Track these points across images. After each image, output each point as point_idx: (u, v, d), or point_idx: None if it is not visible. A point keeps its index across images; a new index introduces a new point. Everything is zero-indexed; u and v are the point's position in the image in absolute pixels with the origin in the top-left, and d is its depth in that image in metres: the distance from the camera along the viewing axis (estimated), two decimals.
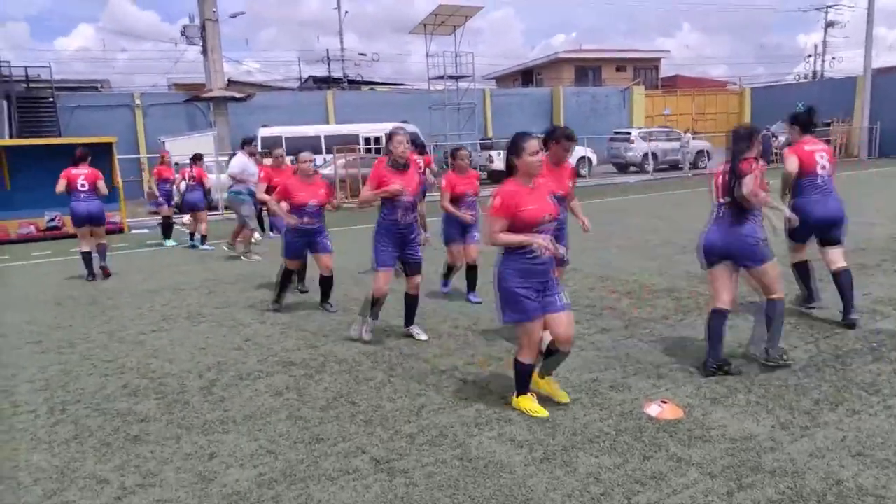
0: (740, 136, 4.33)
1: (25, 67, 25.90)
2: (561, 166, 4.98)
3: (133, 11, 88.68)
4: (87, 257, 8.97)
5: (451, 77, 28.50)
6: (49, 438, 3.90)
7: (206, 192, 11.61)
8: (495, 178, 20.62)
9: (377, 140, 23.83)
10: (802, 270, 5.65)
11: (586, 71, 41.45)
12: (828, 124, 30.65)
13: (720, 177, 4.39)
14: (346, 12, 78.90)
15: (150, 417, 4.14)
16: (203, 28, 20.91)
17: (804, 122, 5.51)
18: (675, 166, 26.39)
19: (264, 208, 10.21)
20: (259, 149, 12.11)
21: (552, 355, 4.00)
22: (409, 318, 5.60)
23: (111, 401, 4.46)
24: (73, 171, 8.83)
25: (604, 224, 6.99)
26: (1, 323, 6.80)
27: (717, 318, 4.36)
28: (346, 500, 3.06)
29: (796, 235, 5.40)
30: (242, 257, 9.95)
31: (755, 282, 4.47)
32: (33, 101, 24.53)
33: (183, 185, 11.55)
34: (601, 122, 31.85)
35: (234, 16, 36.98)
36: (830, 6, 46.46)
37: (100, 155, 12.82)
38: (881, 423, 3.56)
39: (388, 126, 23.44)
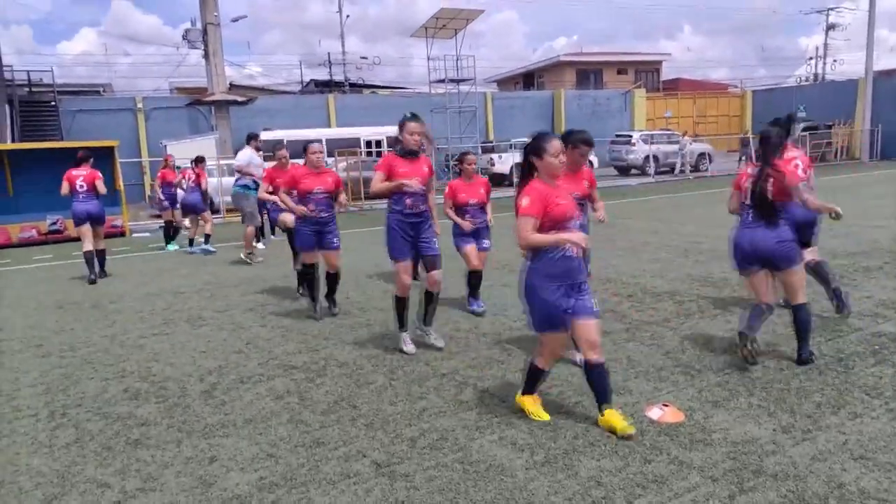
0: (772, 139, 4.47)
1: (28, 71, 26.08)
2: (577, 173, 4.67)
3: (135, 16, 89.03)
4: (88, 257, 9.12)
5: (452, 80, 28.50)
6: (50, 442, 3.90)
7: (204, 195, 11.52)
8: (495, 181, 20.60)
9: (378, 143, 23.86)
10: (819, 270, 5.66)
11: (588, 74, 41.49)
12: (829, 127, 30.65)
13: (750, 180, 4.48)
14: (348, 16, 79.19)
15: (151, 421, 4.14)
16: (205, 32, 20.97)
17: (784, 129, 5.40)
18: (673, 170, 26.37)
19: (265, 214, 10.16)
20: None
21: (591, 377, 3.68)
22: (427, 318, 5.33)
23: (112, 404, 4.46)
24: (74, 172, 9.18)
25: (605, 227, 6.97)
26: (2, 326, 6.81)
27: (755, 308, 4.57)
28: None
29: (805, 239, 5.35)
30: (247, 258, 9.88)
31: (782, 286, 4.55)
32: (35, 105, 24.60)
33: (184, 185, 11.56)
34: (602, 125, 31.83)
35: (235, 20, 37.15)
36: (832, 9, 46.53)
37: (102, 159, 12.81)
38: (883, 426, 3.54)
39: (390, 129, 23.55)
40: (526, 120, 32.23)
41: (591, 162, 26.29)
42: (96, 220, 9.17)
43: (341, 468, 3.40)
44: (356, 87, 38.47)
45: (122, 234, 14.70)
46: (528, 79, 45.09)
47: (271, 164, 8.54)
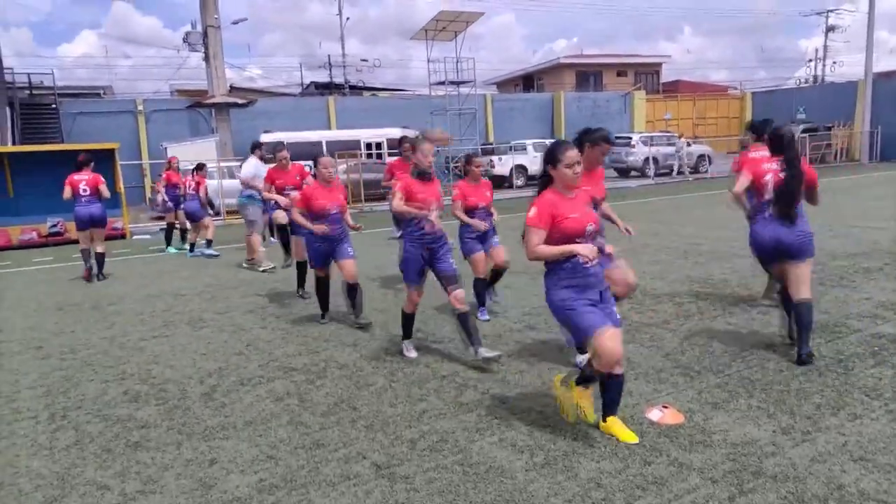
0: (791, 140, 4.65)
1: (28, 74, 26.07)
2: (594, 171, 4.58)
3: (136, 18, 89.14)
4: (85, 253, 9.43)
5: (452, 82, 28.55)
6: (50, 444, 3.90)
7: (202, 203, 11.41)
8: (495, 183, 20.61)
9: (378, 145, 23.88)
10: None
11: (587, 76, 41.52)
12: (829, 128, 30.67)
13: (767, 176, 4.65)
14: (348, 18, 79.31)
15: (151, 423, 4.14)
16: (205, 34, 20.99)
17: (760, 131, 5.85)
18: (671, 172, 26.37)
19: (266, 215, 10.11)
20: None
21: (608, 387, 3.60)
22: (472, 339, 4.83)
23: (112, 407, 4.46)
24: (76, 176, 9.28)
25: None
26: (3, 328, 6.81)
27: (786, 301, 4.80)
28: None
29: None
30: (249, 266, 9.81)
31: (788, 277, 4.68)
32: (36, 108, 24.62)
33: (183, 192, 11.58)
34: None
35: (236, 22, 36.90)
36: (831, 10, 46.60)
37: (102, 161, 12.83)
38: (883, 427, 3.55)
39: (390, 131, 23.62)
40: (525, 122, 32.28)
41: None
42: (98, 223, 9.30)
43: (341, 470, 3.40)
44: (356, 89, 38.54)
45: (123, 237, 14.71)
46: (528, 81, 45.13)
47: (271, 165, 8.48)
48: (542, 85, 42.82)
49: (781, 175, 4.57)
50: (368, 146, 23.95)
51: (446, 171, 23.66)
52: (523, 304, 6.58)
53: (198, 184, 11.39)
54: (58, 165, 12.18)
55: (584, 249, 3.38)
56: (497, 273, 6.33)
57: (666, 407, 3.85)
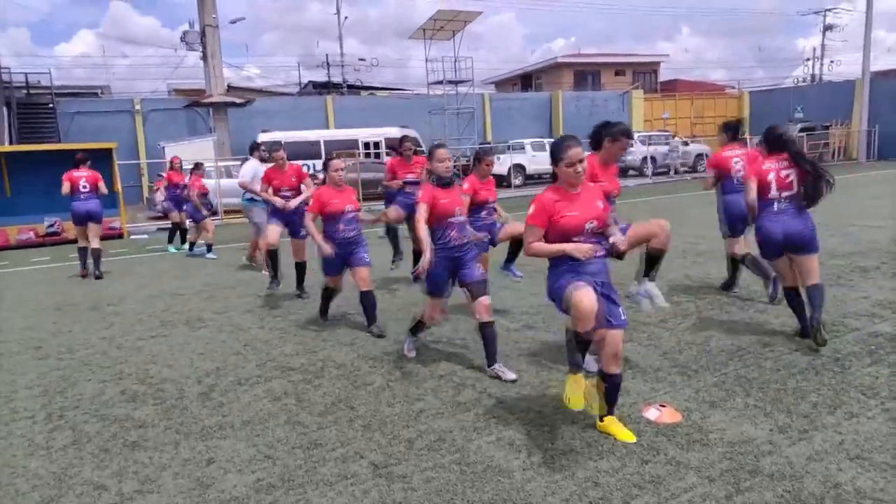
0: (789, 137, 4.97)
1: (25, 73, 26.06)
2: (610, 165, 4.59)
3: (133, 17, 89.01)
4: (83, 253, 9.65)
5: (450, 82, 28.57)
6: (47, 444, 3.89)
7: (195, 205, 11.21)
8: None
9: (377, 145, 23.89)
10: (754, 262, 6.16)
11: (585, 75, 41.53)
12: (826, 127, 30.72)
13: (770, 175, 4.87)
14: (346, 17, 79.22)
15: (149, 423, 4.14)
16: (203, 34, 20.98)
17: (733, 130, 6.46)
18: (668, 171, 26.39)
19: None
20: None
21: (607, 388, 3.58)
22: (490, 355, 4.66)
23: (109, 407, 4.46)
24: (75, 173, 9.54)
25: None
26: (1, 328, 6.80)
27: (788, 294, 5.01)
28: None
29: (733, 230, 6.33)
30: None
31: (798, 269, 4.92)
32: (33, 107, 24.60)
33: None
34: None
35: (234, 21, 37.06)
36: (829, 10, 46.67)
37: (100, 160, 12.84)
38: (879, 426, 3.55)
39: (388, 131, 23.63)
40: (524, 121, 32.30)
41: None
42: (95, 218, 9.60)
43: (339, 469, 3.40)
44: (354, 88, 38.52)
45: (120, 236, 14.70)
46: (526, 80, 45.13)
47: (270, 165, 8.43)
48: (540, 84, 42.82)
49: (796, 170, 4.83)
50: (366, 146, 23.96)
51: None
52: (522, 303, 6.59)
53: (192, 184, 11.29)
54: (55, 165, 12.17)
55: (576, 251, 3.36)
56: (514, 243, 6.01)
57: (663, 406, 3.86)
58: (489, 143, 27.29)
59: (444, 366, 4.90)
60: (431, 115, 27.93)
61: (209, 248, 11.20)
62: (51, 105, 24.80)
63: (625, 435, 3.54)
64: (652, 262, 4.63)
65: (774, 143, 4.97)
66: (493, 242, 6.02)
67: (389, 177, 8.03)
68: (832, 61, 46.93)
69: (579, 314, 3.25)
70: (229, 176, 17.54)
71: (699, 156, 27.23)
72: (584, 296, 3.24)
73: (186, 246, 11.68)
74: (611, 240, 3.59)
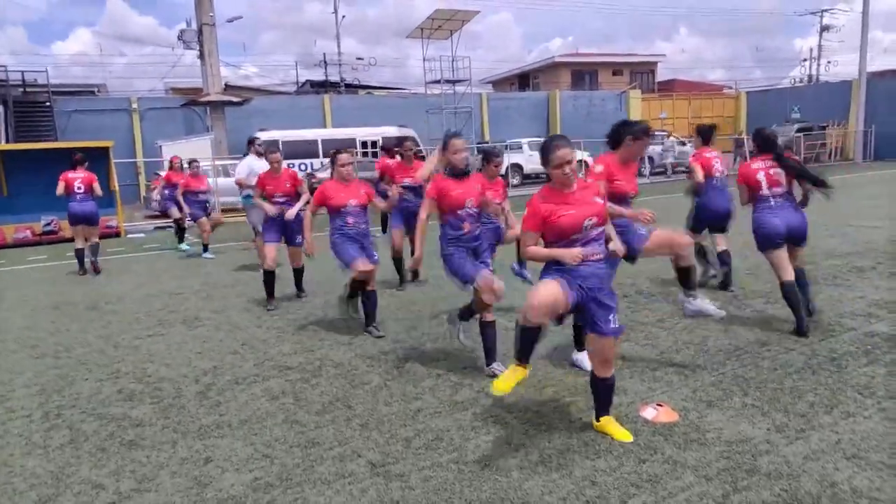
0: (774, 140, 5.38)
1: (22, 72, 25.91)
2: (630, 165, 4.52)
3: (131, 16, 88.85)
4: (79, 254, 9.79)
5: (447, 81, 28.54)
6: (44, 443, 3.89)
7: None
8: None
9: (374, 144, 23.87)
10: (700, 252, 6.65)
11: (583, 75, 41.59)
12: (823, 128, 30.77)
13: (759, 174, 5.25)
14: (344, 16, 79.11)
15: (146, 422, 4.13)
16: (200, 32, 20.95)
17: (706, 134, 6.86)
18: (665, 171, 26.41)
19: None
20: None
21: (597, 389, 3.60)
22: (489, 353, 4.66)
23: (107, 405, 4.45)
24: (71, 174, 9.61)
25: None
26: None
27: (789, 287, 5.15)
28: None
29: (696, 226, 6.72)
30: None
31: (792, 256, 5.28)
32: (30, 106, 24.51)
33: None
34: (598, 126, 31.75)
35: (231, 20, 36.94)
36: (826, 10, 46.79)
37: (97, 159, 12.82)
38: (875, 425, 3.57)
39: (386, 130, 23.62)
40: (521, 121, 32.31)
41: (586, 163, 26.46)
42: (91, 220, 9.69)
43: (336, 468, 3.40)
44: (352, 87, 38.49)
45: (118, 235, 14.66)
46: (524, 80, 45.16)
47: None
48: (537, 84, 42.86)
49: (780, 168, 5.24)
50: (364, 145, 23.94)
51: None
52: (520, 303, 6.58)
53: (185, 182, 11.06)
54: (52, 164, 12.14)
55: (564, 256, 3.33)
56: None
57: (660, 405, 3.87)
58: (486, 142, 27.29)
59: (441, 365, 4.90)
60: (429, 114, 27.89)
61: (205, 247, 11.14)
62: (48, 103, 24.72)
63: (622, 434, 3.55)
64: (684, 276, 4.73)
65: (762, 143, 5.37)
66: (500, 242, 6.03)
67: (389, 179, 7.83)
68: (829, 62, 47.25)
69: (530, 302, 3.29)
70: (226, 175, 17.51)
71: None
72: (543, 287, 3.32)
73: (185, 246, 11.61)
74: (609, 246, 3.57)
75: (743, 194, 5.48)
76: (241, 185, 9.21)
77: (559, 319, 3.53)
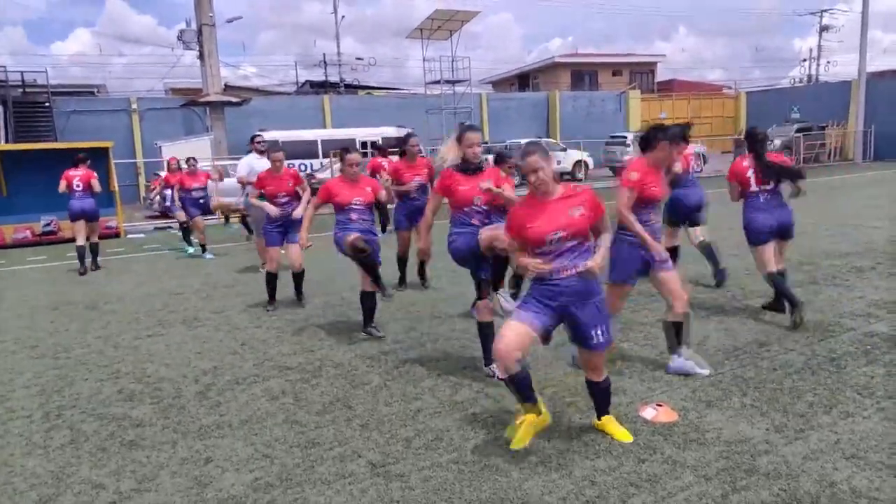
0: (759, 139, 5.50)
1: (22, 72, 25.87)
2: (660, 169, 4.40)
3: (130, 16, 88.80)
4: (80, 251, 9.87)
5: (447, 81, 28.53)
6: (44, 443, 3.89)
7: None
8: None
9: (374, 144, 23.88)
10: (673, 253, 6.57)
11: (583, 75, 41.57)
12: (823, 128, 30.78)
13: (749, 172, 5.44)
14: (343, 17, 79.08)
15: (146, 422, 4.14)
16: (200, 33, 20.95)
17: (683, 135, 6.78)
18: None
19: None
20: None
21: (592, 391, 3.61)
22: (488, 353, 4.56)
23: (107, 406, 4.45)
24: (71, 172, 9.96)
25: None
26: None
27: (777, 278, 5.42)
28: None
29: (672, 220, 6.79)
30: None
31: (778, 252, 5.50)
32: (29, 106, 24.49)
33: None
34: (597, 127, 31.92)
35: (231, 20, 36.85)
36: (825, 10, 46.78)
37: (96, 159, 12.78)
38: (875, 425, 3.57)
39: (385, 130, 23.61)
40: (521, 121, 32.30)
41: (585, 163, 26.52)
42: (90, 216, 9.95)
43: (336, 468, 3.40)
44: (351, 88, 38.48)
45: (117, 235, 14.65)
46: (523, 80, 45.14)
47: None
48: (537, 84, 42.85)
49: (757, 167, 5.44)
50: (364, 145, 23.93)
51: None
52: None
53: (181, 181, 11.00)
54: (51, 164, 12.16)
55: (524, 266, 3.29)
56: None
57: (660, 405, 3.87)
58: (486, 143, 27.28)
59: (441, 365, 4.91)
60: (428, 114, 27.89)
61: (203, 248, 11.12)
62: (47, 104, 24.70)
63: (621, 434, 3.56)
64: (675, 331, 4.43)
65: (748, 142, 5.56)
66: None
67: (392, 180, 7.76)
68: (829, 62, 47.29)
69: (497, 352, 3.30)
70: (227, 175, 17.51)
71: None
72: (505, 331, 3.28)
73: (191, 249, 11.57)
74: (582, 263, 3.27)
75: (733, 191, 5.66)
76: (242, 182, 9.18)
77: (545, 340, 3.45)
